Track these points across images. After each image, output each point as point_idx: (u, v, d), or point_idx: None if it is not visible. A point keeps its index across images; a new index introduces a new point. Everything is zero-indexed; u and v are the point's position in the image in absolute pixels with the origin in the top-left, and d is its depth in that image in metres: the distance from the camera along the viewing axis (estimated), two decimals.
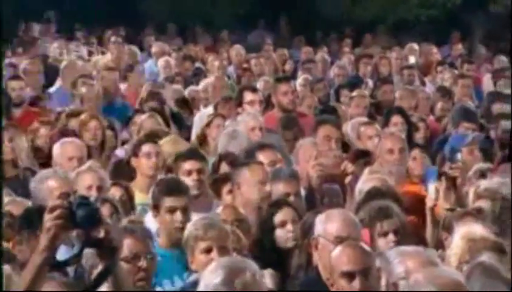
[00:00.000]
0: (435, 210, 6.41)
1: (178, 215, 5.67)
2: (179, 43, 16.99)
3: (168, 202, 5.73)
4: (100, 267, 3.76)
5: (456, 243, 5.29)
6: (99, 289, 3.81)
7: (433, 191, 6.44)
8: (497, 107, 10.02)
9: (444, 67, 13.47)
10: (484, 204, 6.08)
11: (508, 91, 11.39)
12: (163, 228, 5.74)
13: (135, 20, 18.78)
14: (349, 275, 4.73)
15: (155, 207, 5.81)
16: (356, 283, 4.71)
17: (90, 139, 8.16)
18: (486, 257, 5.12)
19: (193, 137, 9.25)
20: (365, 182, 6.63)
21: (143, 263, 4.69)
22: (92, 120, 8.37)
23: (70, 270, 4.59)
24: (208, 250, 5.14)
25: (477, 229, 5.41)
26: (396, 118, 9.11)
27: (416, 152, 7.82)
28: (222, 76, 12.20)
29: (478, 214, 5.99)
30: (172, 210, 5.71)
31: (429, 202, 6.42)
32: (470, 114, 9.29)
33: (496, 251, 5.23)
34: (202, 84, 11.60)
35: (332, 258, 4.85)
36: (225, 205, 6.23)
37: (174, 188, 5.85)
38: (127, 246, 4.80)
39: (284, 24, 20.23)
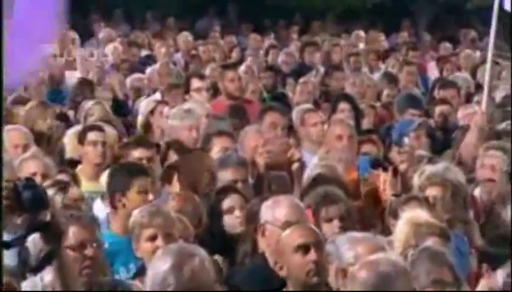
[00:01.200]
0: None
1: (150, 196, 5.68)
2: (126, 29, 16.86)
3: (137, 184, 5.70)
4: (43, 251, 3.71)
5: (401, 228, 5.35)
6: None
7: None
8: (443, 93, 10.15)
9: (391, 54, 13.59)
10: (435, 191, 6.13)
11: (451, 77, 11.55)
12: (123, 213, 5.68)
13: (81, 6, 18.58)
14: (305, 248, 4.74)
15: (122, 191, 5.73)
16: (312, 255, 4.73)
17: (39, 126, 8.05)
18: (431, 242, 5.18)
19: (138, 124, 9.20)
20: (313, 169, 6.65)
21: (89, 251, 4.65)
22: (39, 107, 8.27)
23: (14, 253, 4.53)
24: (153, 238, 5.12)
25: (421, 214, 5.47)
26: (343, 105, 9.16)
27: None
28: (168, 63, 12.14)
29: (428, 201, 6.05)
30: (143, 192, 5.70)
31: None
32: (416, 100, 9.38)
33: (441, 236, 5.29)
34: (149, 71, 11.53)
35: (284, 237, 4.86)
36: (177, 192, 6.21)
37: (141, 170, 5.83)
38: (73, 234, 4.74)
39: (232, 11, 20.20)
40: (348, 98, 9.45)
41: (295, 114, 8.75)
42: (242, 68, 11.63)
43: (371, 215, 6.31)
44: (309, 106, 9.14)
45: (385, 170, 6.60)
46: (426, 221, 5.36)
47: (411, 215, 5.45)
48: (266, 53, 13.84)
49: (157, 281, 3.87)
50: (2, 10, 4.11)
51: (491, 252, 5.44)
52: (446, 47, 15.01)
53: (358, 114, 9.21)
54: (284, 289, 4.82)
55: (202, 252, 3.96)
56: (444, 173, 6.28)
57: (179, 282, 3.84)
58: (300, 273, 4.73)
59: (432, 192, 6.15)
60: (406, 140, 7.01)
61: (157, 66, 11.68)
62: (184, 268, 3.84)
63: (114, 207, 5.82)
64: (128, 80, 11.23)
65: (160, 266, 3.90)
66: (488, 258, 5.42)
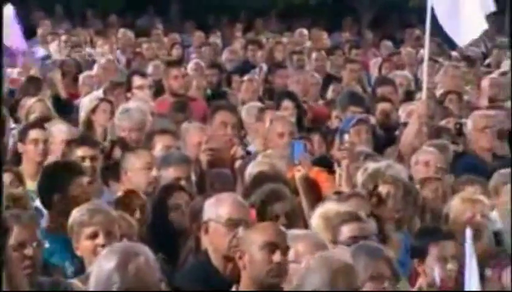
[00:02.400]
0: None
1: (89, 195, 5.66)
2: (67, 26, 16.72)
3: (74, 184, 5.68)
4: None
5: (315, 223, 5.39)
6: None
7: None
8: (381, 91, 10.27)
9: (333, 52, 13.68)
10: (385, 189, 6.18)
11: (391, 75, 11.68)
12: (59, 213, 5.62)
13: (23, 2, 18.36)
14: (271, 247, 4.68)
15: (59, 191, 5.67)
16: (277, 256, 4.67)
17: None
18: (347, 229, 5.23)
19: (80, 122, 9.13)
20: (255, 166, 6.67)
21: (28, 250, 4.61)
22: None
23: None
24: (93, 236, 5.10)
25: (331, 206, 5.51)
26: (286, 103, 9.20)
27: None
28: (112, 60, 12.06)
29: (379, 199, 6.11)
30: (80, 191, 5.66)
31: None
32: (357, 98, 9.45)
33: (353, 220, 5.34)
34: (95, 69, 11.45)
35: (252, 231, 4.80)
36: (126, 189, 6.17)
37: (79, 169, 5.81)
38: (13, 233, 4.69)
39: (174, 8, 20.15)
40: (291, 95, 9.50)
41: (245, 112, 8.76)
42: (190, 65, 11.62)
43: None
44: (260, 104, 9.14)
45: (328, 167, 6.65)
46: (336, 211, 5.40)
47: (322, 209, 5.50)
48: (209, 51, 13.83)
49: (101, 280, 3.84)
50: (2, 11, 4.04)
51: (417, 245, 5.54)
52: (388, 45, 15.16)
53: (301, 112, 9.27)
54: (234, 288, 4.80)
55: (147, 250, 3.94)
56: (387, 170, 6.34)
57: (124, 281, 3.82)
58: (260, 271, 4.68)
59: (382, 190, 6.20)
60: (346, 136, 7.06)
61: (100, 64, 11.60)
62: (129, 267, 3.82)
63: (49, 206, 5.76)
64: (80, 77, 11.14)
65: (104, 264, 3.87)
66: (415, 252, 5.52)
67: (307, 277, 4.39)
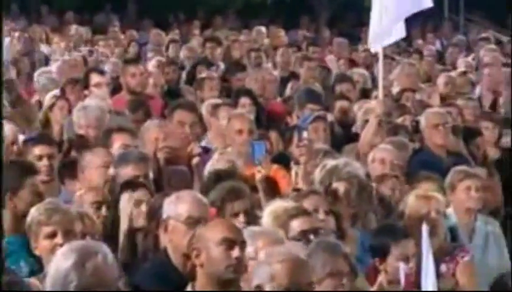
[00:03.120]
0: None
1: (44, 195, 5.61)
2: (23, 24, 16.56)
3: (29, 184, 5.64)
4: None
5: (264, 221, 5.43)
6: None
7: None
8: (339, 88, 10.33)
9: (291, 49, 13.71)
10: (340, 186, 6.23)
11: (348, 72, 11.76)
12: (13, 213, 5.59)
13: None
14: (230, 243, 4.68)
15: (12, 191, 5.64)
16: (236, 251, 4.67)
17: None
18: (296, 224, 5.28)
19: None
20: (213, 164, 6.68)
21: None
22: None
23: None
24: (52, 235, 5.06)
25: (278, 204, 5.55)
26: (244, 100, 9.22)
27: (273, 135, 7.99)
28: (69, 57, 11.98)
29: (334, 196, 6.15)
30: (35, 191, 5.64)
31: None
32: (315, 95, 9.49)
33: (301, 215, 5.39)
34: (54, 66, 11.35)
35: (209, 228, 4.79)
36: (88, 187, 6.14)
37: (33, 169, 5.78)
38: None
39: (132, 5, 20.06)
40: (248, 92, 9.52)
41: (205, 109, 8.75)
42: (152, 62, 11.58)
43: None
44: (219, 100, 9.14)
45: (285, 164, 6.67)
46: (283, 208, 5.44)
47: (270, 208, 5.54)
48: (167, 48, 13.80)
49: (58, 279, 3.82)
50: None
51: (377, 244, 5.59)
52: (340, 42, 15.19)
53: (259, 109, 9.28)
54: (190, 287, 4.80)
55: (105, 248, 3.93)
56: (344, 167, 6.38)
57: (81, 280, 3.81)
58: (218, 267, 4.66)
59: (337, 187, 6.24)
60: (305, 133, 7.09)
61: (58, 61, 11.51)
62: (86, 265, 3.81)
63: (2, 206, 5.71)
64: (35, 75, 11.03)
65: (62, 262, 3.85)
66: (376, 250, 5.58)
67: (255, 271, 4.41)
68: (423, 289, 4.61)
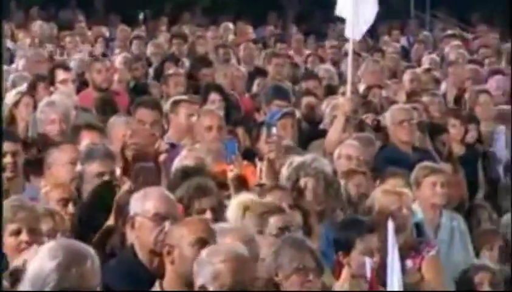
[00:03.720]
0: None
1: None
2: None
3: None
4: None
5: (232, 213, 5.43)
6: None
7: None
8: (306, 85, 10.37)
9: (257, 46, 13.73)
10: (306, 182, 6.25)
11: (315, 69, 11.80)
12: None
13: None
14: (203, 243, 4.65)
15: None
16: None
17: None
18: (273, 221, 5.29)
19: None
20: (181, 160, 6.67)
21: None
22: None
23: None
24: (17, 232, 5.02)
25: (246, 197, 5.56)
26: (213, 96, 9.20)
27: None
28: (35, 53, 11.89)
29: (300, 191, 6.17)
30: None
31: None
32: (282, 92, 9.51)
33: (277, 213, 5.40)
34: (20, 63, 11.27)
35: (182, 227, 4.78)
36: (56, 183, 6.11)
37: None
38: None
39: (99, 1, 19.94)
40: (218, 88, 9.50)
41: (169, 106, 8.73)
42: (119, 59, 11.52)
43: None
44: (185, 97, 9.12)
45: (251, 160, 6.68)
46: (259, 203, 5.45)
47: (237, 200, 5.55)
48: (131, 44, 13.74)
49: (39, 279, 3.69)
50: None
51: (342, 238, 5.63)
52: (298, 39, 15.21)
53: (228, 105, 9.27)
54: (158, 284, 4.78)
55: (92, 252, 3.80)
56: (312, 163, 6.40)
57: (62, 283, 3.67)
58: (189, 267, 4.60)
59: (305, 183, 6.26)
60: (274, 129, 7.12)
61: (24, 57, 11.42)
62: (72, 269, 3.68)
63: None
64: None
65: (46, 261, 3.72)
66: (340, 244, 5.61)
67: (198, 271, 4.40)
68: (389, 284, 4.64)
